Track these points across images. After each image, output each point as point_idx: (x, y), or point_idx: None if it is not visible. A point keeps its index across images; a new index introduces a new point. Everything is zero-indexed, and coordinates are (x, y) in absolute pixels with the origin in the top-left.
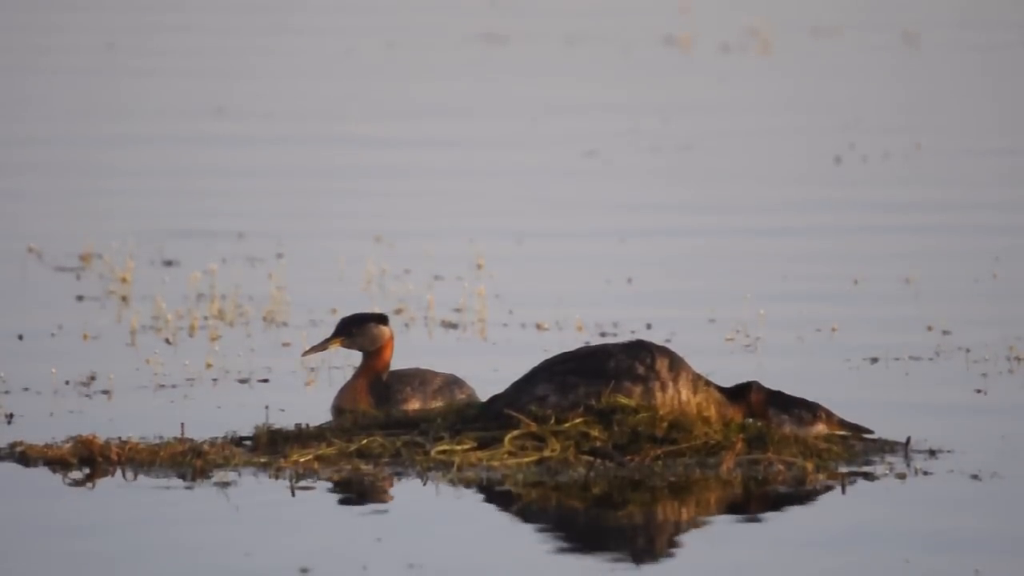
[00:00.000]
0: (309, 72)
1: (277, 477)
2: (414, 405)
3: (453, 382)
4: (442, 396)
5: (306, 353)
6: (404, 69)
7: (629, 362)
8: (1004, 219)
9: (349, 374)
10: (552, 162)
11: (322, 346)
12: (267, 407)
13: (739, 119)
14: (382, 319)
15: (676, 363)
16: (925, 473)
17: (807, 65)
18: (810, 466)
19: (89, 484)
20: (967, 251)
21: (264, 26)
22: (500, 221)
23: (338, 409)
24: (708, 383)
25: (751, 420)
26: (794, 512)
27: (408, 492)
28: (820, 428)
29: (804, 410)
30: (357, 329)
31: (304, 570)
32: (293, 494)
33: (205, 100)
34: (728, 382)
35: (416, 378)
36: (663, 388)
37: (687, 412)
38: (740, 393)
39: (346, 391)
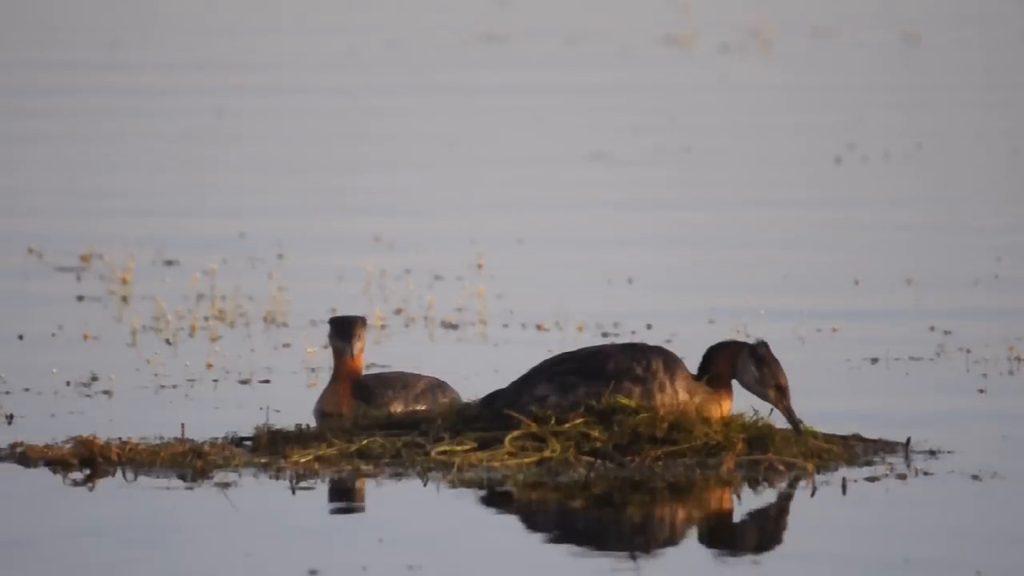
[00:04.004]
0: (309, 72)
1: (277, 478)
2: (396, 409)
3: (436, 386)
4: (425, 400)
5: (356, 356)
6: (405, 69)
7: (628, 363)
8: (1005, 219)
9: None
10: (552, 162)
11: (354, 351)
12: (267, 407)
13: (739, 119)
14: (365, 322)
15: (671, 363)
16: (926, 473)
17: (807, 65)
18: (810, 467)
19: (89, 485)
20: (968, 251)
21: (264, 26)
22: (500, 221)
23: (322, 413)
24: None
25: (753, 415)
26: (794, 513)
27: (408, 493)
28: (770, 395)
29: (768, 377)
30: (362, 333)
31: (313, 572)
32: (293, 495)
33: (205, 100)
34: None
35: (398, 382)
36: (661, 389)
37: (686, 412)
38: (708, 368)
39: (328, 395)
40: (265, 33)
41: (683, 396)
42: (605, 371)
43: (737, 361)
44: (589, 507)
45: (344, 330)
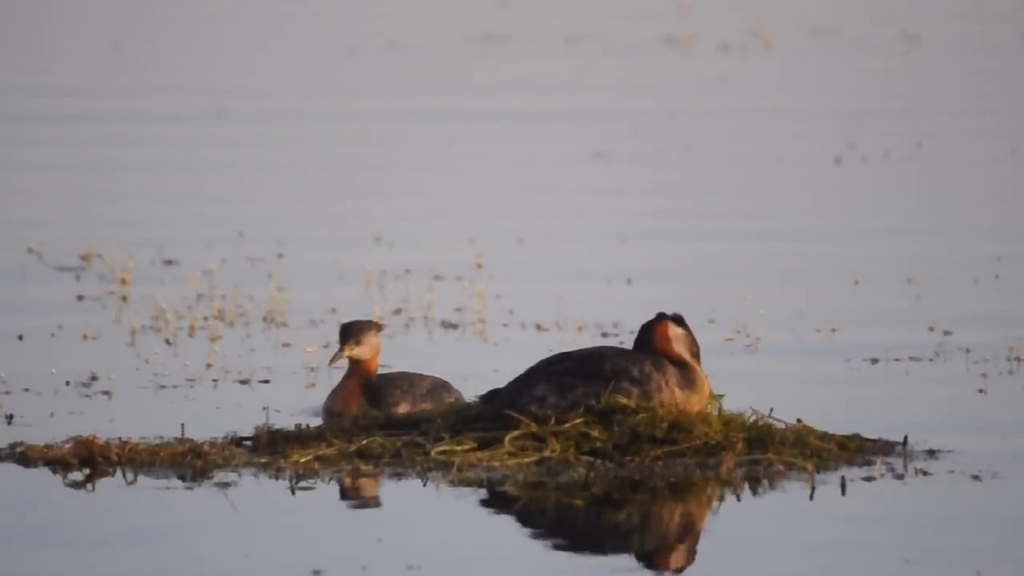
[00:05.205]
0: (310, 72)
1: (277, 478)
2: (403, 408)
3: (441, 386)
4: (430, 399)
5: (332, 362)
6: (405, 69)
7: (624, 364)
8: (1005, 219)
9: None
10: (551, 162)
11: (340, 355)
12: (267, 408)
13: (739, 119)
14: (379, 327)
15: (660, 364)
16: (925, 473)
17: (807, 65)
18: (810, 467)
19: (89, 485)
20: (968, 251)
21: (264, 26)
22: (500, 221)
23: (329, 411)
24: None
25: (752, 415)
26: (794, 513)
27: (408, 493)
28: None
29: (694, 342)
30: (364, 337)
31: (316, 572)
32: (293, 495)
33: (205, 101)
34: (729, 383)
35: (405, 381)
36: (659, 389)
37: (686, 411)
38: (645, 346)
39: (338, 394)
40: (265, 34)
41: (680, 395)
42: (603, 372)
43: (669, 333)
44: (589, 507)
45: (342, 332)
